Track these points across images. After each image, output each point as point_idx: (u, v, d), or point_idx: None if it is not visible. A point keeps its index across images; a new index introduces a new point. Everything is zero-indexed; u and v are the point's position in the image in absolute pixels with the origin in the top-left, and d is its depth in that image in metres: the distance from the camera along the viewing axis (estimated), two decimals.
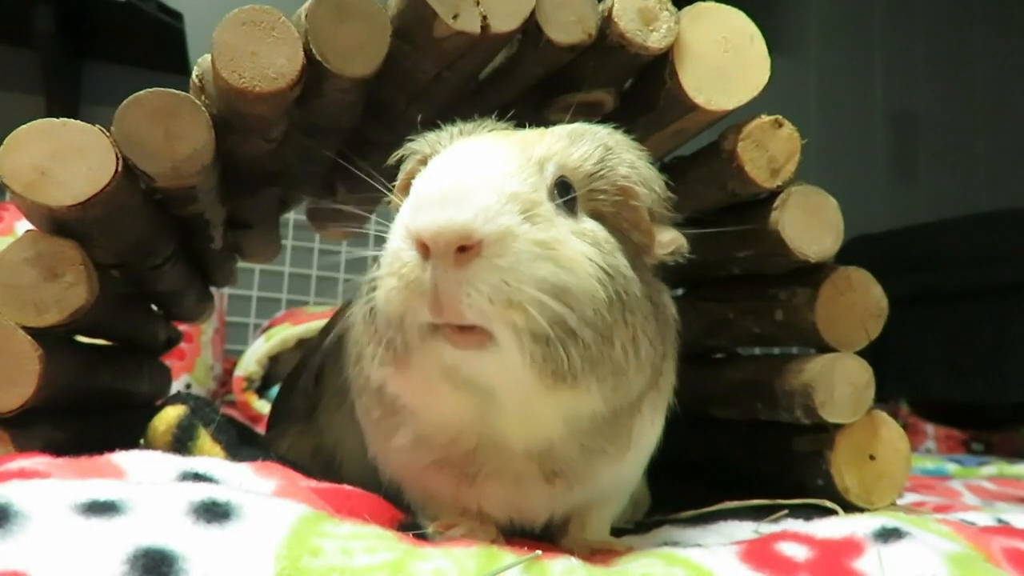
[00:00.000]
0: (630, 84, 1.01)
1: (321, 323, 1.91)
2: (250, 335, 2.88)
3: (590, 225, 0.70)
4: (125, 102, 0.79)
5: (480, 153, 0.68)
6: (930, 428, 2.97)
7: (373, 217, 0.78)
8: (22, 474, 0.64)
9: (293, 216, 2.76)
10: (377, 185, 0.76)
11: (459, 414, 0.69)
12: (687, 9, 0.91)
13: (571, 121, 0.78)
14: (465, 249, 0.60)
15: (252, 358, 2.47)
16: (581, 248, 0.66)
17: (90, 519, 0.54)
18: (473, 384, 0.65)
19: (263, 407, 2.37)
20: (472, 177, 0.63)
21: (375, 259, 0.70)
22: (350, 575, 0.54)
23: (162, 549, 0.52)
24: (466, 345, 0.63)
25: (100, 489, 0.57)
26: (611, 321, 0.66)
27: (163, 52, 2.57)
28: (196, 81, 0.87)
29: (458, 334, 0.63)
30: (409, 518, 0.78)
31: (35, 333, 0.79)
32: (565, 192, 0.70)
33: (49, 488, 0.57)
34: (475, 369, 0.64)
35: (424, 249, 0.61)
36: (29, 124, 0.78)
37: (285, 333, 2.49)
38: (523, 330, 0.62)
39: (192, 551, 0.52)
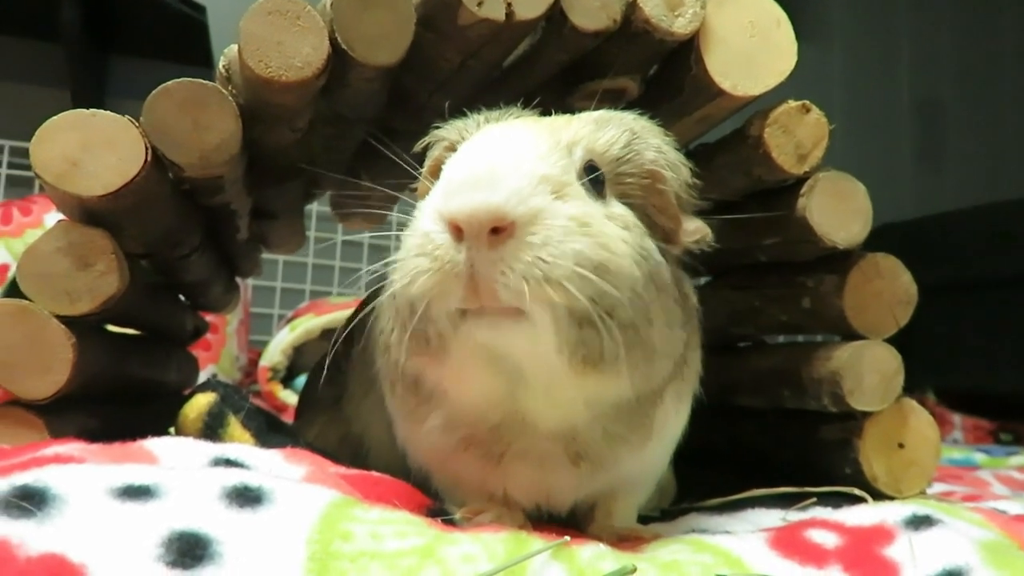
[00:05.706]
0: (655, 70, 1.00)
1: (345, 313, 1.92)
2: (274, 326, 2.90)
3: (619, 209, 0.70)
4: (154, 92, 0.80)
5: (510, 137, 0.69)
6: (957, 418, 2.92)
7: (397, 204, 0.78)
8: (58, 459, 0.65)
9: (316, 207, 2.77)
10: (407, 168, 0.76)
11: (488, 392, 0.69)
12: None
13: (595, 108, 0.78)
14: (499, 231, 0.60)
15: (277, 348, 2.50)
16: (614, 229, 0.66)
17: (125, 503, 0.55)
18: (503, 361, 0.65)
19: (288, 397, 2.39)
20: (503, 160, 0.64)
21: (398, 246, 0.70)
22: (380, 559, 0.54)
23: (196, 532, 0.52)
24: (502, 315, 0.62)
25: (134, 474, 0.58)
26: (648, 301, 0.66)
27: (186, 45, 2.59)
28: (223, 71, 0.87)
29: (494, 308, 0.62)
30: (437, 504, 0.79)
31: (68, 322, 0.80)
32: (594, 177, 0.70)
33: (85, 473, 0.58)
34: (506, 345, 0.64)
35: (457, 232, 0.61)
36: (60, 115, 0.79)
37: (309, 323, 2.52)
38: (561, 310, 0.61)
39: (225, 535, 0.53)
